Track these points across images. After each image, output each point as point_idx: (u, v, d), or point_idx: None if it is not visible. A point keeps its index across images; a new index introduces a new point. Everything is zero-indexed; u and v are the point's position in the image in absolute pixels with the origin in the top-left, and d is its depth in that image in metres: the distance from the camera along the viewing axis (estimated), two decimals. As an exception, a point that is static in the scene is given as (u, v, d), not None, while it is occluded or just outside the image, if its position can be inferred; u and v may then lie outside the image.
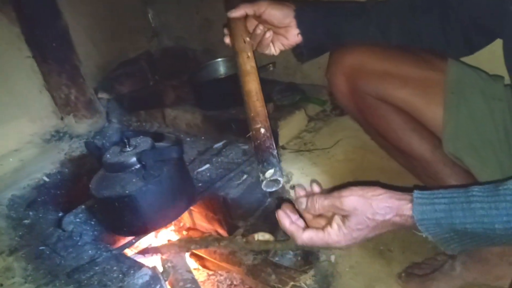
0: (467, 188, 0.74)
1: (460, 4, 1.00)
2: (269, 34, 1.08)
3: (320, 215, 0.88)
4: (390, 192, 0.79)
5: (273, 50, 1.13)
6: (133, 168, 1.26)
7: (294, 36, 1.10)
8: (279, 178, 0.86)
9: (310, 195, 0.90)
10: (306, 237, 0.86)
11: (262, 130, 0.90)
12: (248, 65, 1.00)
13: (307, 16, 1.08)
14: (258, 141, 0.90)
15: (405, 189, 0.80)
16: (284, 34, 1.10)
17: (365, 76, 1.11)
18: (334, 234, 0.83)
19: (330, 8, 1.11)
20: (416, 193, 0.76)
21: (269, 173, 0.85)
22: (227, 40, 1.12)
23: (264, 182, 0.86)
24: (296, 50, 1.14)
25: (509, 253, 1.09)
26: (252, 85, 0.95)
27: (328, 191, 0.86)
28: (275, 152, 0.89)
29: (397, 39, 1.08)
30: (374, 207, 0.78)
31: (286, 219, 0.90)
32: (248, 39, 1.06)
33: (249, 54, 1.03)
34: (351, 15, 1.08)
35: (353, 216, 0.80)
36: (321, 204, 0.85)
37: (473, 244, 0.76)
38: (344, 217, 0.81)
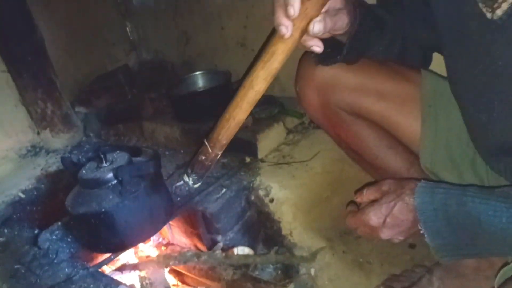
0: (467, 185, 0.80)
1: (407, 31, 1.03)
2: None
3: None
4: None
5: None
6: (109, 184, 1.24)
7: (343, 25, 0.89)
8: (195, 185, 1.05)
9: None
10: (347, 220, 0.95)
11: (218, 156, 0.96)
12: (263, 93, 0.85)
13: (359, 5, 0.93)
14: (205, 159, 0.97)
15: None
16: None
17: (338, 90, 1.08)
18: (367, 209, 0.89)
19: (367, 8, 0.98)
20: (420, 183, 0.84)
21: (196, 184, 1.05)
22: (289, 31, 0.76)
23: (183, 182, 1.05)
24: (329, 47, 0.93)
25: (485, 267, 1.10)
26: (246, 116, 0.87)
27: None
28: (208, 170, 1.01)
29: (395, 54, 1.05)
30: (405, 187, 0.86)
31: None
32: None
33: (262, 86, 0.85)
34: (377, 26, 0.98)
35: (385, 195, 0.88)
36: (368, 190, 0.93)
37: (464, 242, 0.80)
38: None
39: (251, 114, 1.71)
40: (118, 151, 1.33)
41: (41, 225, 1.53)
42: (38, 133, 1.96)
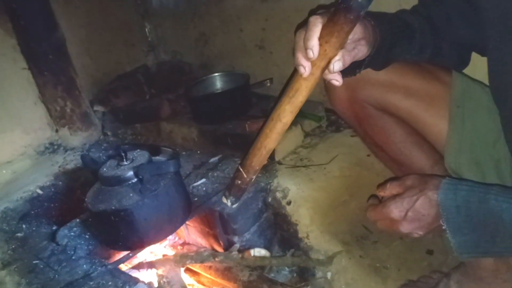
0: (491, 184, 0.81)
1: (446, 29, 1.05)
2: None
3: None
4: None
5: None
6: (129, 182, 1.25)
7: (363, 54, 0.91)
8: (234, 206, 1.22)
9: None
10: (368, 212, 0.95)
11: (252, 179, 1.08)
12: (289, 124, 0.93)
13: (378, 20, 0.94)
14: (241, 183, 1.10)
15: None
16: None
17: (367, 85, 1.10)
18: (389, 202, 0.89)
19: (392, 21, 1.00)
20: (444, 179, 0.84)
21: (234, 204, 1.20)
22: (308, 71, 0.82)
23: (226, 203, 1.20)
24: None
25: (503, 270, 1.10)
26: (273, 144, 0.97)
27: None
28: (244, 192, 1.16)
29: (427, 58, 1.08)
30: (428, 182, 0.86)
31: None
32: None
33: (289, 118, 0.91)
34: (403, 37, 1.01)
35: (408, 189, 0.88)
36: (391, 184, 0.93)
37: (484, 239, 0.80)
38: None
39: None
40: (138, 150, 1.34)
41: (58, 221, 1.54)
42: (57, 131, 1.98)
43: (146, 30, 2.42)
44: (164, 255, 1.46)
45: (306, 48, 0.79)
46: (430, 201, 0.84)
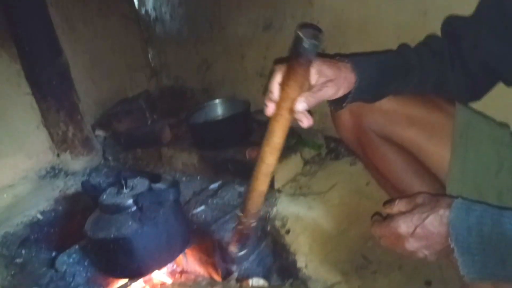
0: (504, 208, 0.80)
1: (472, 51, 1.04)
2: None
3: None
4: None
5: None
6: (129, 210, 1.25)
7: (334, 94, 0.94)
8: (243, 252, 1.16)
9: None
10: (373, 227, 0.92)
11: (253, 225, 1.07)
12: (274, 164, 0.93)
13: (360, 62, 0.97)
14: (242, 228, 1.09)
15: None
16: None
17: (371, 113, 1.11)
18: (397, 216, 0.88)
19: (378, 61, 1.02)
20: (457, 199, 0.83)
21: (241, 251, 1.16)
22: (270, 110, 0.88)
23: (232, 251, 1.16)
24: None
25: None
26: (266, 186, 0.97)
27: None
28: (249, 237, 1.13)
29: (428, 91, 1.10)
30: (440, 201, 0.85)
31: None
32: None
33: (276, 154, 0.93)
34: (397, 74, 1.03)
35: (419, 206, 0.87)
36: (401, 201, 0.91)
37: (494, 262, 0.79)
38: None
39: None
40: (138, 177, 1.35)
41: (58, 247, 1.54)
42: (58, 155, 1.99)
43: (149, 56, 2.46)
44: (162, 283, 1.46)
45: (269, 92, 0.86)
46: (441, 219, 0.83)
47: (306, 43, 0.77)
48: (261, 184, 0.95)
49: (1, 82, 1.84)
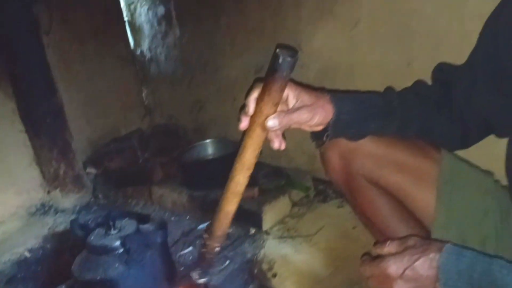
0: (495, 256, 0.81)
1: (468, 102, 1.05)
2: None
3: None
4: None
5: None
6: (116, 252, 1.26)
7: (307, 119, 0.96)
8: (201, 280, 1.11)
9: None
10: (362, 267, 0.92)
11: (217, 249, 1.03)
12: (244, 183, 0.93)
13: (339, 96, 0.99)
14: (205, 252, 1.05)
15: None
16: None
17: (360, 157, 1.13)
18: (388, 257, 0.88)
19: (359, 99, 1.04)
20: (448, 243, 0.84)
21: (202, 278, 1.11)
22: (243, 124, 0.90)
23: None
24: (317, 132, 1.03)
25: None
26: (233, 207, 0.95)
27: None
28: (212, 263, 1.09)
29: (412, 134, 1.11)
30: (431, 244, 0.86)
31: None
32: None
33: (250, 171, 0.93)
34: (378, 113, 1.05)
35: (410, 248, 0.87)
36: (392, 242, 0.92)
37: None
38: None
39: (257, 185, 1.77)
40: (126, 218, 1.36)
41: (44, 286, 1.53)
42: (49, 192, 2.01)
43: (143, 95, 2.50)
44: (147, 326, 1.44)
45: (244, 106, 0.88)
46: (431, 262, 0.83)
47: (281, 59, 0.79)
48: (228, 203, 0.93)
49: (-4, 120, 1.87)
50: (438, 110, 1.09)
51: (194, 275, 1.11)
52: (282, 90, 0.87)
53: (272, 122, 0.86)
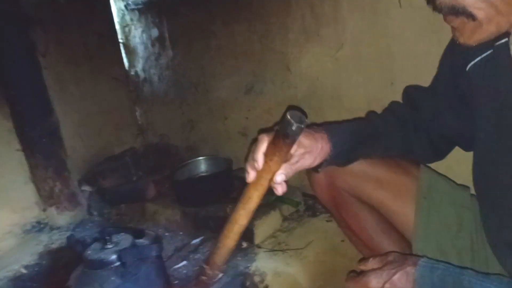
0: (465, 268, 0.89)
1: (433, 124, 1.14)
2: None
3: None
4: None
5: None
6: (112, 266, 1.30)
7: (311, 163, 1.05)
8: None
9: None
10: (347, 282, 1.00)
11: (217, 276, 1.12)
12: (246, 226, 1.02)
13: (335, 132, 1.07)
14: (206, 279, 1.12)
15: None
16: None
17: (344, 174, 1.20)
18: (369, 272, 0.96)
19: (350, 130, 1.12)
20: (422, 258, 0.92)
21: None
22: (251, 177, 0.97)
23: None
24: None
25: None
26: (236, 243, 1.04)
27: None
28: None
29: (395, 154, 1.20)
30: (408, 259, 0.94)
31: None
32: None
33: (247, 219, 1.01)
34: (366, 141, 1.13)
35: (389, 264, 0.95)
36: (374, 259, 1.01)
37: None
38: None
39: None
40: (122, 233, 1.41)
41: (40, 301, 1.57)
42: (44, 210, 2.04)
43: (137, 115, 2.56)
44: (142, 339, 1.47)
45: (253, 160, 0.94)
46: (408, 276, 0.91)
47: (294, 126, 0.85)
48: (231, 241, 1.03)
49: (-8, 140, 1.91)
50: (414, 130, 1.16)
51: None
52: (291, 149, 0.94)
53: (280, 178, 0.95)
